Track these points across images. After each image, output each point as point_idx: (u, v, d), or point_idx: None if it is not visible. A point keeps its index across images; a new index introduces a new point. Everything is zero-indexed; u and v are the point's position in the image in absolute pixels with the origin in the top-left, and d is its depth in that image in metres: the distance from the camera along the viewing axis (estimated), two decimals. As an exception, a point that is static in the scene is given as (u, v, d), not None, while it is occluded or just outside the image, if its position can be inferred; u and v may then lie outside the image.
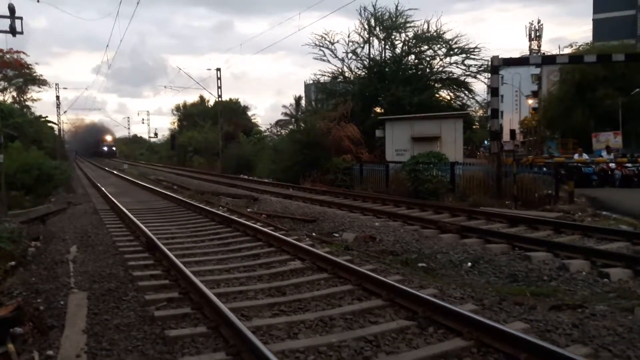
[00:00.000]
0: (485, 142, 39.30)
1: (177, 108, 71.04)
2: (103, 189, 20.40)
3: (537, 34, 67.04)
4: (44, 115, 44.64)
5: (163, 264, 7.40)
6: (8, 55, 38.29)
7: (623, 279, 6.52)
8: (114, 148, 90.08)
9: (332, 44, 29.74)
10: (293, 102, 51.42)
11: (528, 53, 62.61)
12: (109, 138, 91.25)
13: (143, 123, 74.92)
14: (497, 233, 9.29)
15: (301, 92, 61.05)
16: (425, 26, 28.23)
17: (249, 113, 59.61)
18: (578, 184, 15.76)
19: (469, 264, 7.66)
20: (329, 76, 31.25)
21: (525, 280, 6.78)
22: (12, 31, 15.16)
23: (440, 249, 8.49)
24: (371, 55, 29.49)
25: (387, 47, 29.11)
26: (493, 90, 16.92)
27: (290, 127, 40.20)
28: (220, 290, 6.07)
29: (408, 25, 28.32)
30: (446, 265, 7.80)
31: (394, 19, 28.30)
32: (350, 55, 29.69)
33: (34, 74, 44.67)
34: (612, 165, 18.71)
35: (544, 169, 16.19)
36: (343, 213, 12.77)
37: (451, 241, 9.11)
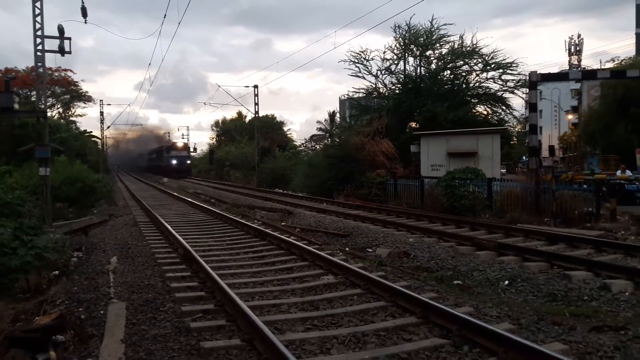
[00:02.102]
0: (524, 157, 38.48)
1: (216, 124, 74.19)
2: (143, 201, 20.94)
3: (577, 49, 65.47)
4: (88, 130, 46.33)
5: (199, 276, 7.54)
6: (57, 74, 39.98)
7: (669, 301, 6.28)
8: (189, 161, 59.69)
9: (368, 60, 29.89)
10: (327, 117, 51.73)
11: (567, 68, 61.25)
12: (179, 144, 61.99)
13: (183, 138, 72.22)
14: (535, 251, 9.08)
15: (336, 107, 61.62)
16: (460, 41, 28.06)
17: (285, 128, 60.96)
18: (621, 201, 15.26)
19: (506, 282, 7.51)
20: (363, 93, 31.37)
21: (564, 299, 6.60)
22: (61, 51, 15.86)
23: (476, 267, 8.36)
24: (406, 71, 29.48)
25: (422, 63, 29.05)
26: (531, 106, 16.64)
27: (325, 141, 40.32)
28: (254, 303, 6.15)
29: (443, 40, 28.20)
30: (482, 283, 7.67)
31: (429, 35, 28.23)
32: (384, 71, 29.76)
33: (80, 91, 46.48)
34: (658, 182, 18.05)
35: (585, 185, 15.75)
36: (377, 228, 12.72)
37: (488, 258, 8.95)
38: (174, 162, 58.30)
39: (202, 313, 5.84)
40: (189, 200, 22.02)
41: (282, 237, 10.64)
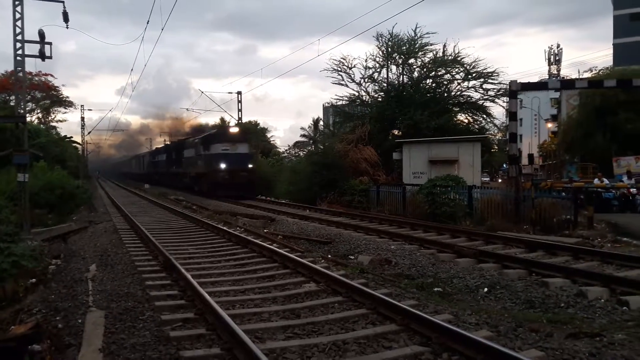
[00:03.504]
0: (504, 165, 39.00)
1: (192, 130, 72.53)
2: (123, 208, 20.72)
3: (557, 58, 66.79)
4: (68, 136, 45.70)
5: (180, 284, 7.49)
6: (37, 78, 39.44)
7: (643, 307, 6.40)
8: (251, 165, 28.96)
9: (350, 68, 30.09)
10: (311, 124, 51.76)
11: (547, 77, 62.37)
12: (233, 130, 30.30)
13: (164, 142, 63.91)
14: (514, 258, 9.21)
15: (320, 114, 61.70)
16: (443, 50, 28.42)
17: (268, 134, 60.31)
18: (598, 209, 15.53)
19: (486, 289, 7.60)
20: (346, 100, 31.54)
21: (542, 306, 6.70)
22: (42, 56, 15.69)
23: (456, 274, 8.44)
24: (389, 80, 29.73)
25: (404, 71, 29.33)
26: (511, 115, 16.88)
27: (309, 148, 40.29)
28: (235, 311, 6.12)
29: (426, 49, 28.52)
30: (462, 290, 7.74)
31: (412, 44, 28.53)
32: (367, 79, 29.98)
33: (61, 96, 45.89)
34: (634, 190, 18.41)
35: (563, 193, 16.01)
36: (359, 235, 12.76)
37: (468, 266, 9.05)
38: (226, 165, 27.62)
39: (182, 322, 5.80)
40: (170, 207, 21.85)
41: (264, 244, 10.62)
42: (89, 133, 56.38)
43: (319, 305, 6.44)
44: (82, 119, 53.52)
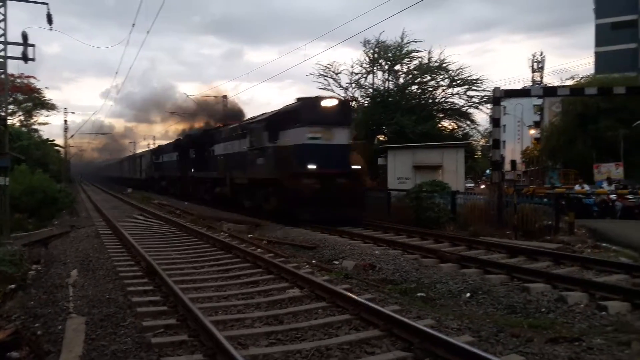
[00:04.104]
0: (487, 171, 39.41)
1: (182, 132, 71.23)
2: (106, 213, 20.50)
3: (540, 66, 67.75)
4: (51, 139, 45.12)
5: (162, 290, 7.43)
6: (19, 80, 38.89)
7: (621, 312, 6.51)
8: (356, 166, 16.61)
9: (336, 74, 30.25)
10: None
11: (531, 84, 63.20)
12: (327, 102, 16.36)
13: (149, 147, 59.52)
14: (496, 263, 9.30)
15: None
16: (428, 57, 28.73)
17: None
18: (579, 214, 15.76)
19: (468, 294, 7.65)
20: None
21: (523, 311, 6.77)
22: (24, 58, 15.47)
23: (439, 279, 8.49)
24: (375, 85, 29.93)
25: (390, 77, 29.57)
26: (494, 121, 17.09)
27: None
28: (217, 317, 6.10)
29: (412, 56, 28.80)
30: (445, 295, 7.79)
31: (398, 50, 28.78)
32: (353, 85, 30.17)
33: (43, 98, 45.29)
34: (613, 196, 18.73)
35: (545, 199, 16.22)
36: (343, 240, 12.77)
37: (450, 271, 9.10)
38: (318, 164, 15.52)
39: (164, 328, 5.76)
40: (154, 211, 21.67)
41: (248, 250, 10.58)
42: (71, 136, 55.61)
43: (302, 311, 6.44)
44: (65, 122, 52.82)
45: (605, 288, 7.30)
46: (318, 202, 14.92)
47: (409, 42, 28.44)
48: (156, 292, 7.44)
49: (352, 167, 16.48)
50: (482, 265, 9.21)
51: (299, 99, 17.16)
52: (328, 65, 30.23)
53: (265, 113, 19.14)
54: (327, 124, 15.98)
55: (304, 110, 16.17)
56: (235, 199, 20.85)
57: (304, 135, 15.74)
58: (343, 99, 21.04)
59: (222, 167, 22.14)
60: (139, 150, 61.34)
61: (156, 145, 45.63)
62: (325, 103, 16.43)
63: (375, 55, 29.08)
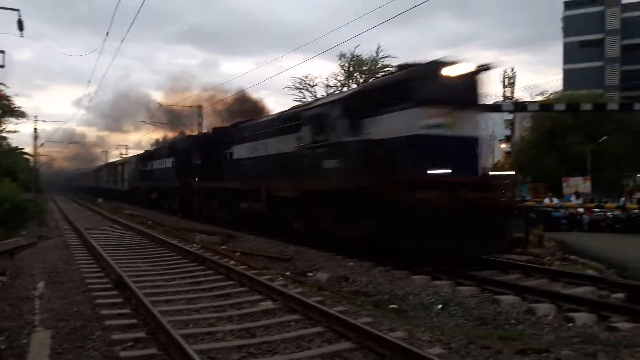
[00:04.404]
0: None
1: (156, 142, 70.47)
2: (76, 223, 20.07)
3: (511, 81, 69.22)
4: (20, 147, 44.04)
5: (132, 303, 7.30)
6: (-13, 87, 37.96)
7: (587, 323, 6.65)
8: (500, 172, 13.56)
9: (312, 86, 30.45)
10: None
11: (502, 99, 64.54)
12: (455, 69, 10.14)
13: (121, 156, 56.49)
14: (467, 275, 9.40)
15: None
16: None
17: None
18: (548, 227, 16.10)
19: (440, 306, 7.72)
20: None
21: (493, 323, 6.85)
22: (-7, 64, 15.16)
23: (412, 291, 8.54)
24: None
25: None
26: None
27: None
28: (188, 330, 6.01)
29: (387, 69, 29.20)
30: (417, 307, 7.83)
31: (373, 64, 29.18)
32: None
33: (12, 106, 44.23)
34: (581, 210, 19.20)
35: (515, 212, 16.50)
36: (318, 252, 12.75)
37: (423, 283, 9.18)
38: (454, 166, 9.71)
39: (133, 342, 5.65)
40: (125, 222, 21.30)
41: (221, 262, 10.49)
42: (41, 145, 54.31)
43: (275, 323, 6.40)
44: (35, 129, 51.64)
45: (572, 300, 7.46)
46: (444, 228, 9.24)
47: (384, 57, 28.90)
48: (126, 305, 7.31)
49: (494, 173, 11.81)
50: (453, 277, 9.31)
51: (402, 66, 11.74)
52: (303, 78, 30.45)
53: (331, 94, 13.89)
54: (454, 103, 10.20)
55: (418, 82, 10.32)
56: (275, 218, 15.08)
57: (417, 122, 10.00)
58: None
59: (250, 174, 16.63)
60: (111, 160, 58.83)
61: (142, 152, 39.32)
62: (450, 71, 10.24)
63: (351, 69, 29.43)
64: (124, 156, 49.92)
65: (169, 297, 7.95)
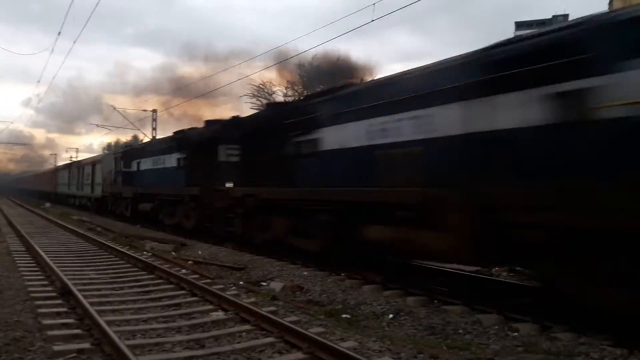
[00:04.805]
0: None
1: (108, 146, 68.61)
2: (20, 228, 19.22)
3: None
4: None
5: (77, 312, 7.05)
6: None
7: (530, 333, 6.87)
8: None
9: (270, 94, 30.41)
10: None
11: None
12: None
13: (71, 159, 55.44)
14: (418, 285, 9.55)
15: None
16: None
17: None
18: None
19: (391, 315, 7.82)
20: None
21: (442, 333, 6.99)
22: None
23: (364, 300, 8.62)
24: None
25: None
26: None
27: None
28: (135, 341, 5.85)
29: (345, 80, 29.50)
30: (369, 317, 7.91)
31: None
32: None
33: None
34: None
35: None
36: (272, 261, 12.70)
37: (375, 292, 9.27)
38: None
39: (76, 353, 5.45)
40: (73, 228, 20.56)
41: (172, 270, 10.28)
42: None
43: (225, 334, 6.31)
44: (-22, 130, 49.03)
45: (517, 310, 7.70)
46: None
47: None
48: (70, 314, 7.05)
49: None
50: (404, 287, 9.45)
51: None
52: (261, 85, 30.37)
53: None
54: None
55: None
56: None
57: None
58: None
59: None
60: (61, 163, 55.53)
61: (124, 146, 33.88)
62: None
63: (309, 79, 29.58)
64: (74, 159, 45.42)
65: (116, 306, 7.71)
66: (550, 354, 5.97)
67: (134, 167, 25.11)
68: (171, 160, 20.01)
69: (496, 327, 7.19)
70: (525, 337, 6.73)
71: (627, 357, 5.62)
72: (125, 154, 27.34)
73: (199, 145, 17.62)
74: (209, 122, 18.59)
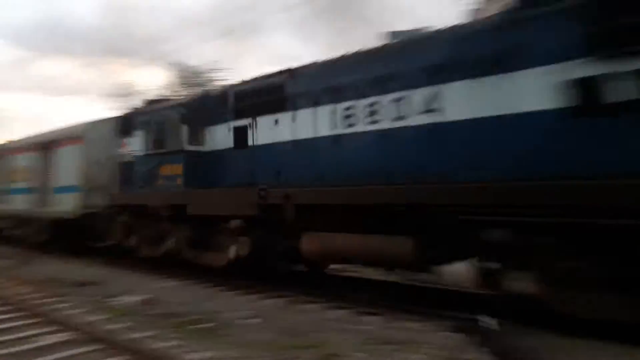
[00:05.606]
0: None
1: None
2: None
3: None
4: None
5: None
6: None
7: (381, 324, 7.37)
8: None
9: (142, 94, 28.95)
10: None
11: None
12: None
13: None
14: (275, 289, 9.74)
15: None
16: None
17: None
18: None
19: (249, 320, 7.89)
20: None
21: (299, 332, 7.21)
22: None
23: (220, 308, 8.57)
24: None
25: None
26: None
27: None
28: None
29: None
30: (230, 324, 7.88)
31: (196, 75, 28.93)
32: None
33: None
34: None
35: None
36: (129, 273, 12.11)
37: (232, 299, 9.30)
38: None
39: None
40: None
41: (9, 291, 9.32)
42: None
43: (69, 356, 5.91)
44: None
45: (365, 304, 8.27)
46: None
47: (220, 69, 28.61)
48: None
49: None
50: (261, 291, 9.62)
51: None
52: (129, 84, 28.78)
53: None
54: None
55: None
56: None
57: None
58: None
59: None
60: None
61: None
62: None
63: (184, 79, 28.86)
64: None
65: None
66: (403, 343, 6.41)
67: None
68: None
69: (349, 322, 7.60)
70: (377, 331, 7.12)
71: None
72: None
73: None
74: None
